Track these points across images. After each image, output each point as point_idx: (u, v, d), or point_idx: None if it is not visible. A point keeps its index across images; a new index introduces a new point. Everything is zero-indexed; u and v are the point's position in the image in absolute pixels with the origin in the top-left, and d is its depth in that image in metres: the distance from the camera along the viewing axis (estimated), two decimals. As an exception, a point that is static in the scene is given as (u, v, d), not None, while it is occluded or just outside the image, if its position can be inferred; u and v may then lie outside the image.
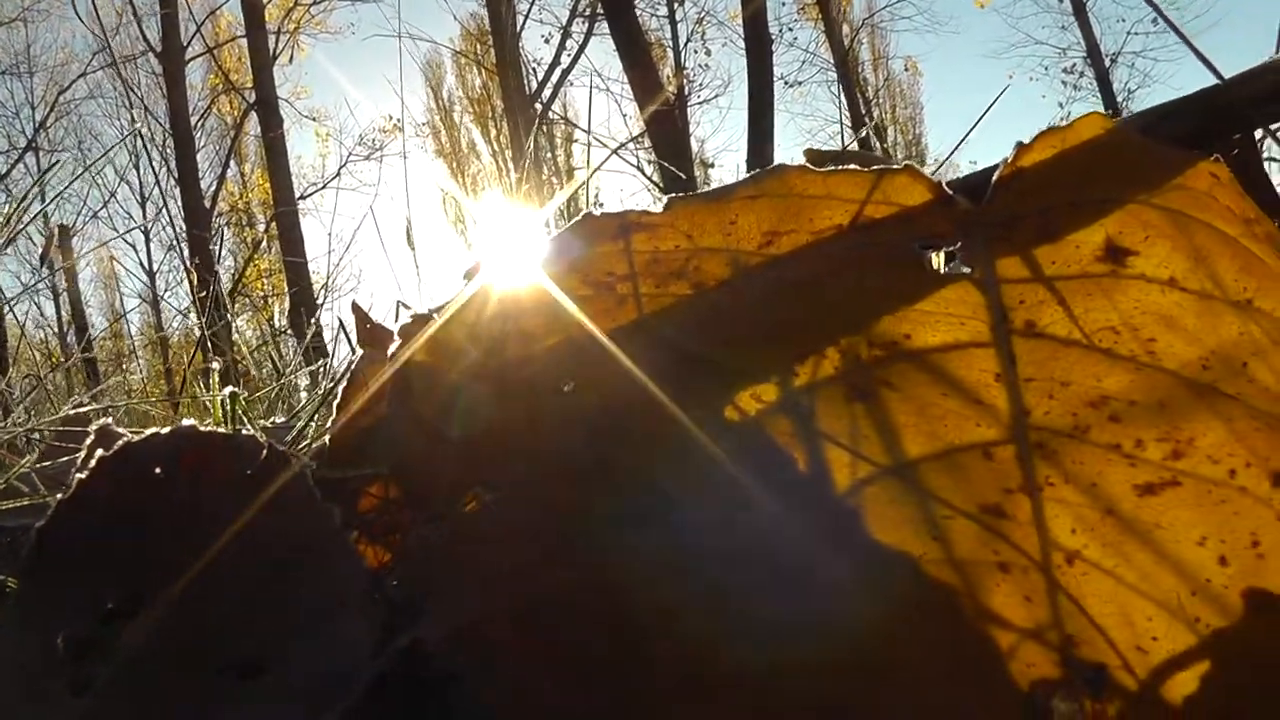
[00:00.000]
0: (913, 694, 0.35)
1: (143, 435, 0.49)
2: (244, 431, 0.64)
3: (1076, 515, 0.40)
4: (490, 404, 0.47)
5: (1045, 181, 0.49)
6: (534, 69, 14.87)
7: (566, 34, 14.78)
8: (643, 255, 0.49)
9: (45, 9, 16.60)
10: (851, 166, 0.50)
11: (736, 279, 0.48)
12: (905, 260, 0.46)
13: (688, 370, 0.44)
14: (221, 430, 0.48)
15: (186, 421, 0.49)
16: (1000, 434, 0.41)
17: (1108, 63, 16.59)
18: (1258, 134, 0.63)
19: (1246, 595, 0.38)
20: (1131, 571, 0.38)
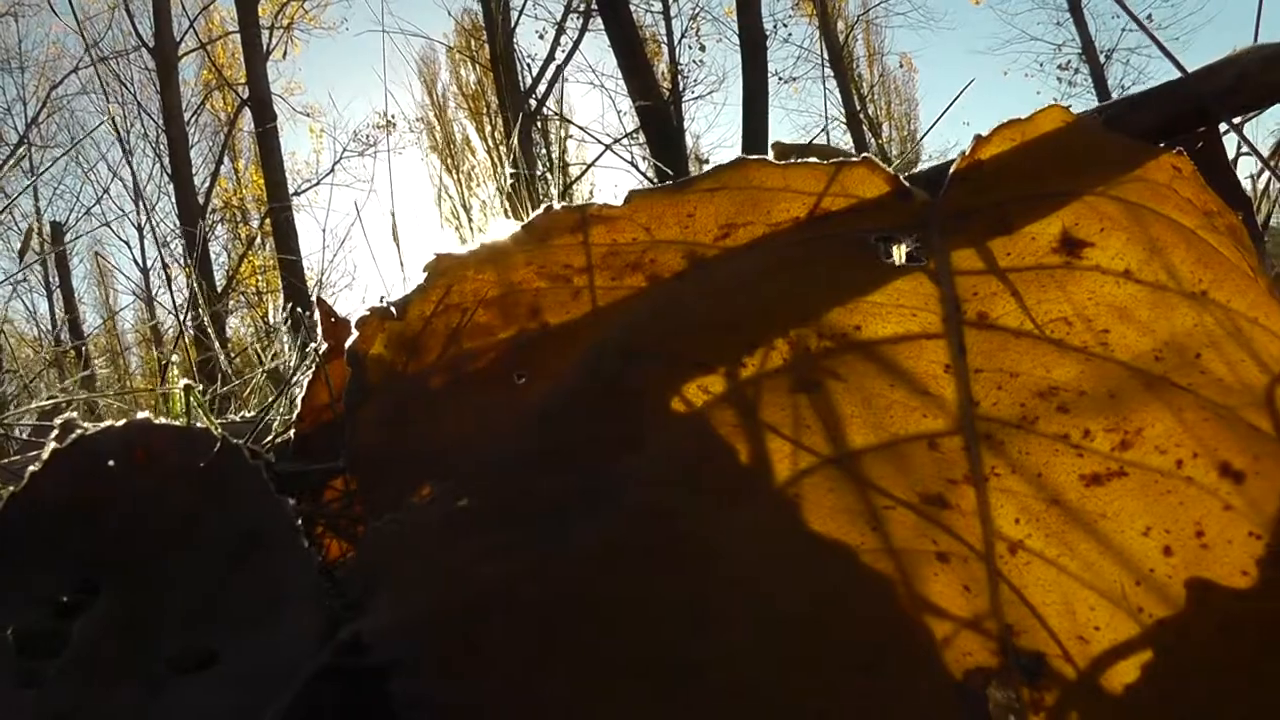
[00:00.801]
0: (843, 681, 0.35)
1: (97, 428, 0.48)
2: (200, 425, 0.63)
3: (1021, 505, 0.40)
4: (444, 397, 0.47)
5: (1002, 174, 0.49)
6: (528, 64, 14.82)
7: (561, 30, 14.72)
8: (600, 248, 0.49)
9: (36, 3, 16.53)
10: (811, 159, 0.50)
11: (691, 271, 0.48)
12: (859, 252, 0.46)
13: (638, 363, 0.44)
14: (176, 423, 0.48)
15: (141, 414, 0.49)
16: (947, 425, 0.41)
17: (1103, 59, 16.61)
18: (1222, 127, 0.63)
19: (1190, 585, 0.38)
20: (1075, 561, 0.38)
